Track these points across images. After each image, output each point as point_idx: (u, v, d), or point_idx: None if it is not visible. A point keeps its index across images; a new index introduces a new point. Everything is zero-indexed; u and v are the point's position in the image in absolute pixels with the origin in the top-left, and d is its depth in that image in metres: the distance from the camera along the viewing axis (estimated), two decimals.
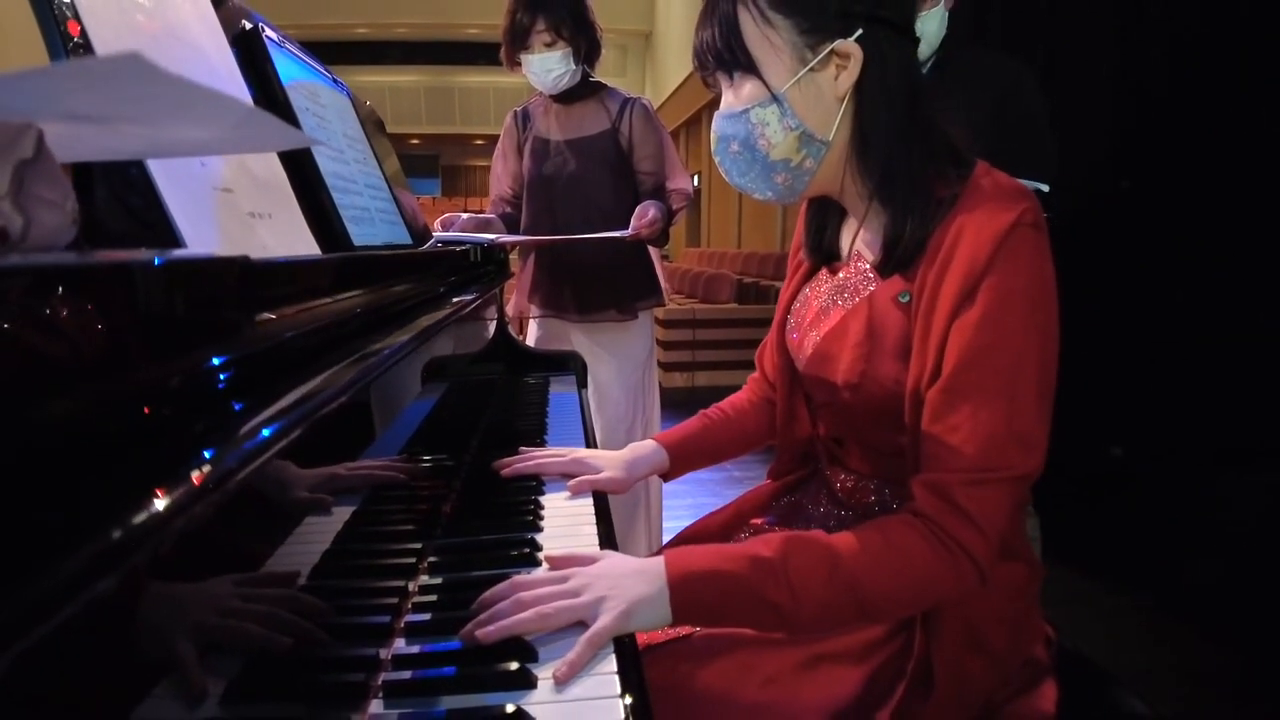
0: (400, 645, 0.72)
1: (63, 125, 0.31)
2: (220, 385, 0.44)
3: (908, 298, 0.87)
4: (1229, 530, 2.75)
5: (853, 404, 0.94)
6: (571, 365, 1.91)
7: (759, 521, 1.13)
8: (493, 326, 1.81)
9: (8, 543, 0.28)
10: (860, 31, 0.85)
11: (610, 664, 0.70)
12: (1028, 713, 0.91)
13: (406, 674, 0.68)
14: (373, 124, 1.45)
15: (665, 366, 5.86)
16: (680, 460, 1.17)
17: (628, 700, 0.65)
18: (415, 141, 17.59)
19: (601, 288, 2.25)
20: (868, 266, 0.94)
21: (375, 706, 0.64)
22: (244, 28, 0.89)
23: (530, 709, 0.63)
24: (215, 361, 0.44)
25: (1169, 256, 3.09)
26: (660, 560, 0.79)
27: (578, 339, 2.28)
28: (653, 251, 2.35)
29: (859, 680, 0.87)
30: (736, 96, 0.90)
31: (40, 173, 0.31)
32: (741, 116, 0.89)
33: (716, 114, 0.94)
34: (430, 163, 19.12)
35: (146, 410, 0.37)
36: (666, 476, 1.19)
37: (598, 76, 2.27)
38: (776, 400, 1.14)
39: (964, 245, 0.82)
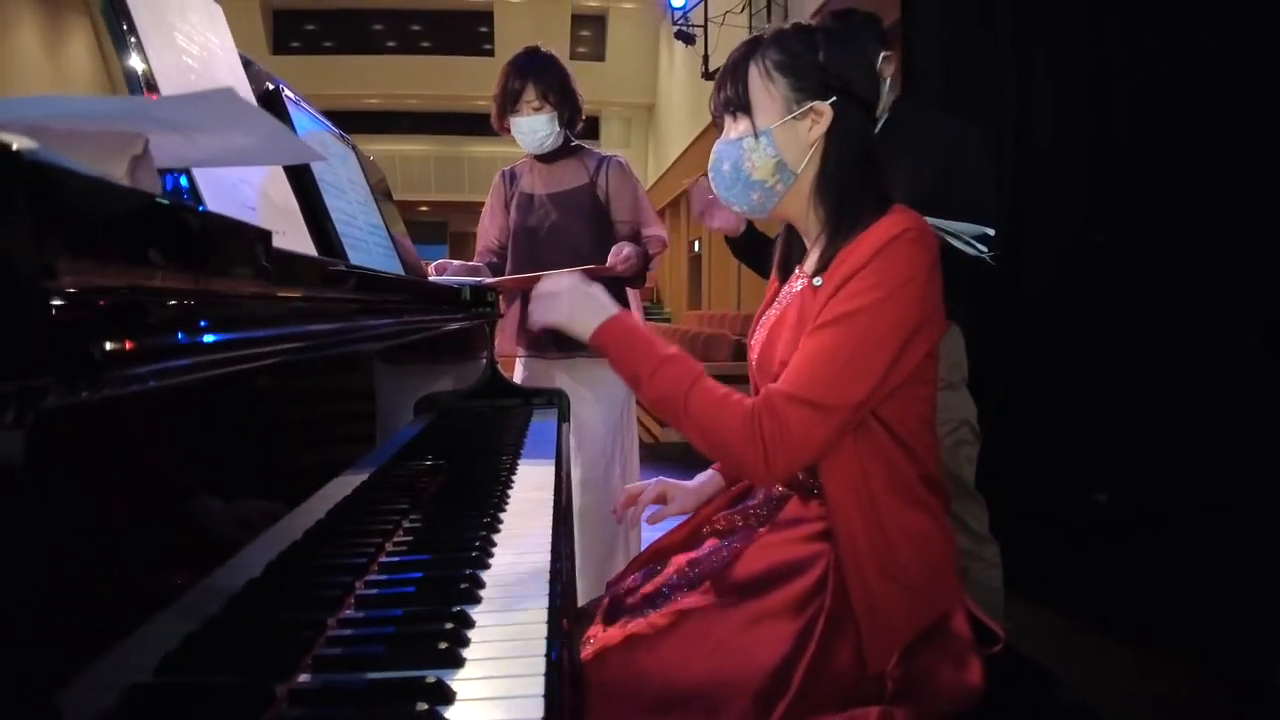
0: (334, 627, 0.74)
1: (157, 135, 0.49)
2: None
3: (819, 282, 1.12)
4: (1213, 574, 2.73)
5: None
6: (555, 400, 2.07)
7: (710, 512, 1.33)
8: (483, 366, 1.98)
9: None
10: (834, 99, 1.14)
11: (539, 647, 0.74)
12: (956, 682, 1.03)
13: (336, 650, 0.70)
14: (381, 191, 1.63)
15: (664, 421, 6.00)
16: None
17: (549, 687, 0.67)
18: (424, 209, 18.00)
19: None
20: (804, 273, 1.20)
21: (303, 677, 0.65)
22: (267, 88, 1.09)
23: (455, 684, 0.65)
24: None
25: (1146, 307, 3.16)
26: (615, 309, 1.14)
27: (561, 379, 2.41)
28: (632, 298, 2.52)
29: (795, 631, 1.03)
30: (734, 129, 1.18)
31: (145, 167, 0.48)
32: (736, 143, 1.17)
33: (717, 140, 1.21)
34: (439, 229, 19.54)
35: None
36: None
37: (603, 146, 2.48)
38: None
39: (862, 246, 1.09)
